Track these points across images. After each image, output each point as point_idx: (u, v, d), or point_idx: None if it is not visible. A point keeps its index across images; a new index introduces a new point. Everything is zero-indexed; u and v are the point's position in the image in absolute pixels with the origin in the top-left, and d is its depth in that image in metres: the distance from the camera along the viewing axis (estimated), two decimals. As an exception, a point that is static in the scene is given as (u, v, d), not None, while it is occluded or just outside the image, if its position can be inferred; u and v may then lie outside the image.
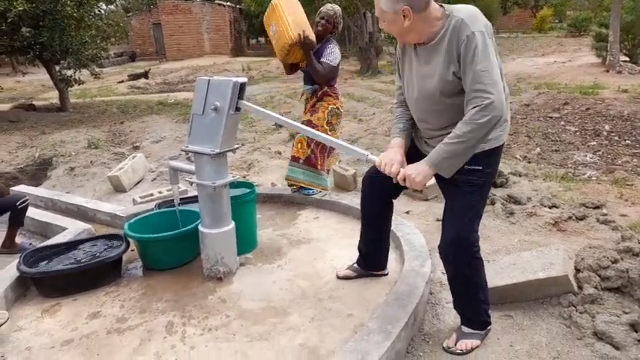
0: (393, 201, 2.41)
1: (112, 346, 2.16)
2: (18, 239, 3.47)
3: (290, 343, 2.12)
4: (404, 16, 1.78)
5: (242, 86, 2.50)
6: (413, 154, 2.10)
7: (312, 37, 3.52)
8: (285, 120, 2.62)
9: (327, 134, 3.56)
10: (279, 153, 5.87)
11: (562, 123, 6.09)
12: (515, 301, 2.38)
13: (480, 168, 1.92)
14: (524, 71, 10.75)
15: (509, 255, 2.74)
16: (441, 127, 1.96)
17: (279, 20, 3.48)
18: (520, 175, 4.30)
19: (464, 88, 1.80)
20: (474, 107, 1.74)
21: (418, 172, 1.87)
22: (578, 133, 5.72)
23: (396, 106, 2.22)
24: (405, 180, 1.91)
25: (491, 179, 2.03)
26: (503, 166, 4.36)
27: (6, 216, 3.39)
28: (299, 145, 3.74)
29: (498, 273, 2.43)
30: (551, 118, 6.30)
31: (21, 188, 4.53)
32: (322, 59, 3.56)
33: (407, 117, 2.14)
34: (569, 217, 3.29)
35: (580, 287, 2.35)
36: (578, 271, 2.44)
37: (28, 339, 2.21)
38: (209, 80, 2.53)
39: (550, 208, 3.50)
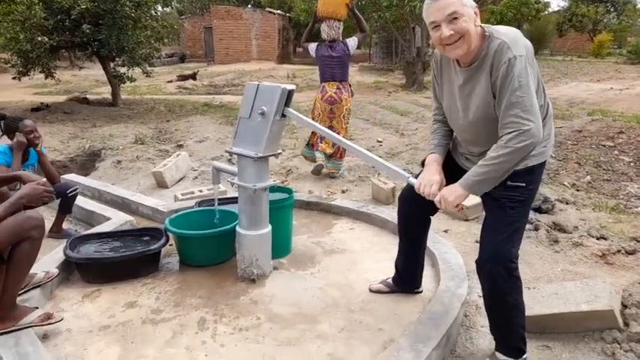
0: (431, 218, 2.38)
1: (146, 335, 2.21)
2: (64, 225, 3.63)
3: (318, 351, 2.10)
4: (475, 13, 1.78)
5: (289, 93, 2.54)
6: (451, 169, 2.09)
7: None
8: (327, 132, 2.60)
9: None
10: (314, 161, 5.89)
11: (615, 152, 5.82)
12: (555, 332, 2.28)
13: (524, 185, 1.89)
14: (577, 96, 10.38)
15: (552, 284, 2.63)
16: (483, 149, 1.93)
17: None
18: (567, 203, 4.13)
19: (497, 111, 1.79)
20: (512, 132, 1.73)
21: (450, 193, 1.90)
22: (632, 164, 5.45)
23: (432, 123, 2.24)
24: (440, 202, 1.93)
25: (533, 196, 2.00)
26: (550, 192, 4.20)
27: (55, 202, 3.55)
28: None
29: (538, 301, 2.34)
30: (604, 146, 6.03)
31: (71, 177, 4.74)
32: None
33: (443, 133, 2.17)
34: (618, 251, 3.13)
35: (626, 324, 2.23)
36: (625, 307, 2.32)
37: (69, 321, 2.30)
38: (258, 85, 2.58)
39: (598, 239, 3.34)
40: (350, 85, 5.09)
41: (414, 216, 2.35)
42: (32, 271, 2.39)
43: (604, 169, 5.30)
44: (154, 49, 10.82)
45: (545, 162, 1.96)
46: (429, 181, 1.98)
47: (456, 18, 1.75)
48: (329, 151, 4.98)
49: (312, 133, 5.16)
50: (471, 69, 1.84)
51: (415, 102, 11.14)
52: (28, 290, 2.41)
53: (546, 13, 25.29)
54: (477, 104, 1.86)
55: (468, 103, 1.90)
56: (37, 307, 2.25)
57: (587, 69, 17.81)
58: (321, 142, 4.97)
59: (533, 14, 21.66)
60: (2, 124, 3.35)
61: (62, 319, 2.23)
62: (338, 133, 4.70)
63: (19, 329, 2.08)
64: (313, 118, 5.06)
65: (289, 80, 17.30)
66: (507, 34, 1.78)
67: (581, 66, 18.80)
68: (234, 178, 2.69)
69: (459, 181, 1.89)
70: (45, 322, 2.16)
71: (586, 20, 27.64)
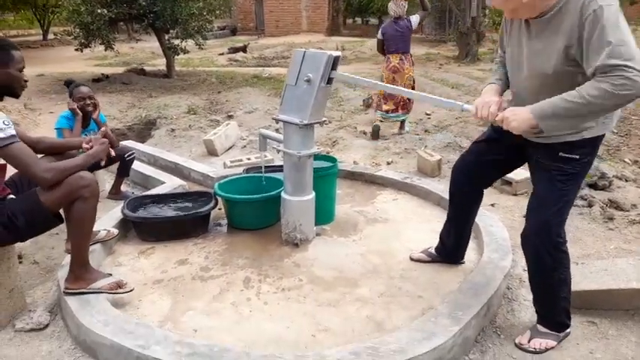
0: (484, 191, 2.33)
1: (195, 290, 2.35)
2: (123, 188, 3.86)
3: (357, 313, 2.17)
4: None
5: (335, 60, 2.54)
6: (502, 145, 2.02)
7: None
8: (375, 83, 2.70)
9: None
10: (365, 133, 5.87)
11: (685, 128, 5.41)
12: (602, 309, 2.22)
13: (577, 157, 1.79)
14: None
15: (602, 260, 2.54)
16: None
17: None
18: (627, 180, 3.91)
19: (586, 68, 1.59)
20: (615, 75, 1.50)
21: (516, 115, 1.71)
22: (703, 141, 5.05)
23: (494, 64, 2.15)
24: (502, 122, 1.76)
25: (586, 169, 1.88)
26: (608, 168, 3.99)
27: (115, 166, 3.77)
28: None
29: (586, 277, 2.27)
30: (672, 121, 5.62)
31: (129, 143, 5.00)
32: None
33: (504, 71, 2.03)
34: (679, 230, 2.96)
35: (681, 305, 2.13)
36: (681, 287, 2.20)
37: (126, 274, 2.48)
38: (304, 52, 2.60)
39: (658, 218, 3.16)
40: (411, 56, 5.76)
41: (467, 189, 2.30)
42: (95, 229, 2.58)
43: (671, 146, 4.95)
44: (207, 22, 10.96)
45: (603, 135, 1.82)
46: (486, 102, 1.85)
47: None
48: (390, 107, 5.67)
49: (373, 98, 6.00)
50: (544, 20, 1.70)
51: (467, 74, 10.74)
52: (91, 244, 2.61)
53: (618, -22, 23.30)
54: (544, 57, 1.71)
55: (536, 56, 1.75)
56: (110, 274, 2.31)
57: (662, 39, 16.39)
58: (385, 104, 5.68)
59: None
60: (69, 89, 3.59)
61: (132, 290, 2.25)
62: (401, 99, 5.67)
63: (88, 292, 2.16)
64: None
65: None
66: None
67: (654, 36, 17.31)
68: (280, 145, 2.75)
69: (530, 106, 1.68)
70: (114, 291, 2.20)
71: (664, -15, 25.23)
